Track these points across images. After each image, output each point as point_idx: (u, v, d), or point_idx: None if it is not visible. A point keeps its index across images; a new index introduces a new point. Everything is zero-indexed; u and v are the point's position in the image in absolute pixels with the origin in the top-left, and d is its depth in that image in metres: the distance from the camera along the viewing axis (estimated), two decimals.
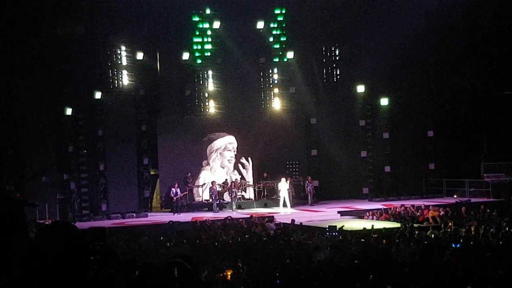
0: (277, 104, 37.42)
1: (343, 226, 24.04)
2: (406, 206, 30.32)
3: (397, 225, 24.99)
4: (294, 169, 37.89)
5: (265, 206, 34.82)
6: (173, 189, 33.95)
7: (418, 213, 28.42)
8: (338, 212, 31.87)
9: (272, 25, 36.61)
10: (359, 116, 38.18)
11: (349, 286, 14.10)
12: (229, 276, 15.46)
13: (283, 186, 34.14)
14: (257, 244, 21.37)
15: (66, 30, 32.32)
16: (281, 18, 36.61)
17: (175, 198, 33.73)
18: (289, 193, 34.18)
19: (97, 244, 4.50)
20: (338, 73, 38.09)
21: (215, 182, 34.78)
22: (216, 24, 35.43)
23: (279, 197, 34.15)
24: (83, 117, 33.47)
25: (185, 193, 34.48)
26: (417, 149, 38.45)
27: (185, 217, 30.89)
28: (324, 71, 38.10)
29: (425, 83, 38.36)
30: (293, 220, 26.37)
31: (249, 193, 36.05)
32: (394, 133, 38.10)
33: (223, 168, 36.63)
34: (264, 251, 19.72)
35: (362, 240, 20.94)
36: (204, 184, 35.61)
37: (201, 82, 36.10)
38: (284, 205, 33.81)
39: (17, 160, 32.37)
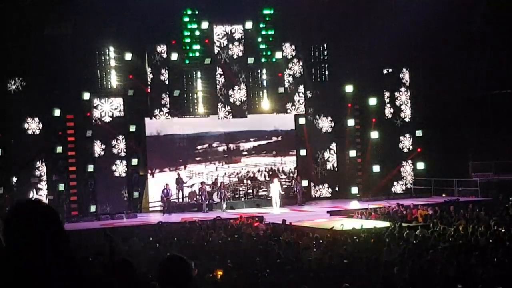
0: (265, 104, 37.39)
1: (333, 227, 24.03)
2: (395, 205, 30.38)
3: (386, 224, 25.02)
4: (283, 169, 37.89)
5: (257, 206, 34.85)
6: (164, 190, 33.92)
7: (406, 213, 28.47)
8: (327, 211, 31.91)
9: (260, 26, 36.59)
10: (348, 116, 38.22)
11: (338, 285, 14.12)
12: (219, 276, 15.46)
13: (274, 186, 34.28)
14: (246, 244, 21.37)
15: (54, 31, 32.17)
16: (269, 19, 36.59)
17: (166, 198, 33.69)
18: (279, 193, 34.30)
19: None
20: (327, 73, 38.15)
21: (204, 183, 34.78)
22: (205, 25, 35.40)
23: (271, 197, 34.30)
24: (72, 118, 33.36)
25: (175, 194, 34.50)
26: (406, 149, 38.68)
27: (175, 218, 30.88)
28: (313, 71, 38.18)
29: (413, 83, 38.52)
30: (284, 220, 26.35)
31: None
32: (383, 133, 38.16)
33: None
34: (253, 251, 19.71)
35: (355, 238, 21.00)
36: (193, 184, 35.59)
37: (190, 83, 36.07)
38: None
39: (5, 162, 32.24)
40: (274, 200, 34.16)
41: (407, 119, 39.00)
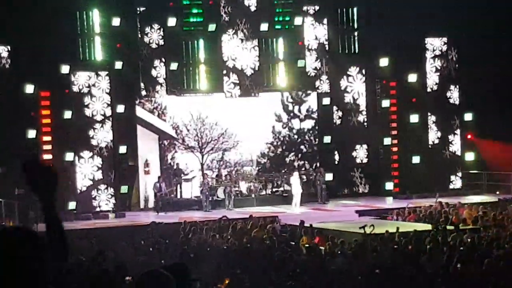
0: (282, 80, 37.43)
1: (365, 225, 24.08)
2: (438, 204, 30.44)
3: (428, 227, 25.11)
4: (303, 159, 37.97)
5: (270, 204, 34.98)
6: (157, 184, 34.08)
7: (452, 213, 28.52)
8: (356, 211, 32.07)
9: None
10: (383, 96, 38.23)
11: None
12: (223, 287, 15.59)
13: (295, 181, 34.40)
14: (258, 250, 21.51)
15: None
16: None
17: (158, 194, 33.85)
18: (300, 190, 34.34)
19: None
20: (356, 42, 38.12)
21: (207, 175, 34.93)
22: None
23: (292, 194, 34.46)
24: (48, 96, 33.50)
25: (171, 188, 34.68)
26: (452, 136, 38.61)
27: (171, 217, 31.12)
28: (340, 41, 38.11)
29: (464, 56, 38.31)
30: (302, 222, 26.50)
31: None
32: (425, 116, 38.14)
33: None
34: (267, 258, 19.87)
35: (389, 243, 21.10)
36: (194, 177, 35.75)
37: (191, 54, 36.16)
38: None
39: None
40: (293, 197, 34.20)
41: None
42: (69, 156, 33.91)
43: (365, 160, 38.65)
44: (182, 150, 36.56)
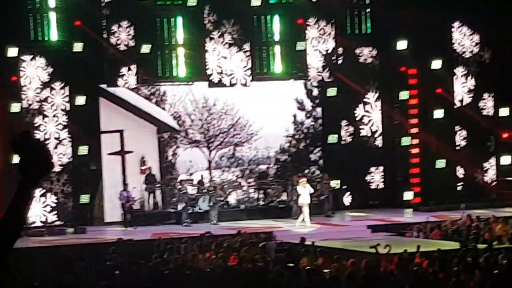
0: (278, 66, 37.48)
1: (378, 244, 24.22)
2: (468, 217, 30.51)
3: (455, 245, 25.23)
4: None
5: (264, 217, 35.04)
6: (123, 192, 34.10)
7: (485, 229, 28.59)
8: (368, 226, 32.18)
9: None
10: (400, 86, 38.28)
11: None
12: None
13: (304, 191, 34.15)
14: (249, 273, 21.58)
15: None
16: None
17: (127, 205, 33.88)
18: (310, 201, 34.08)
19: None
20: (368, 21, 38.20)
21: (185, 181, 34.97)
22: None
23: (299, 206, 34.22)
24: None
25: (141, 197, 34.74)
26: (486, 136, 38.62)
27: (142, 233, 31.28)
28: (349, 19, 38.20)
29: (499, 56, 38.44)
30: (303, 239, 26.58)
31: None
32: (453, 112, 38.19)
33: None
34: (259, 282, 19.93)
35: (408, 265, 21.18)
36: (170, 184, 35.85)
37: (167, 34, 36.20)
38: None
39: None
40: (302, 211, 33.76)
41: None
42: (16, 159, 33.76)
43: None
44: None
